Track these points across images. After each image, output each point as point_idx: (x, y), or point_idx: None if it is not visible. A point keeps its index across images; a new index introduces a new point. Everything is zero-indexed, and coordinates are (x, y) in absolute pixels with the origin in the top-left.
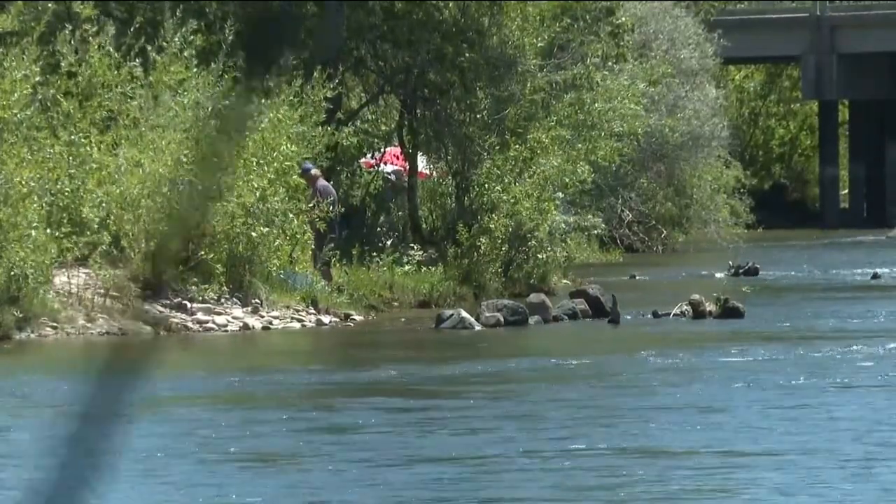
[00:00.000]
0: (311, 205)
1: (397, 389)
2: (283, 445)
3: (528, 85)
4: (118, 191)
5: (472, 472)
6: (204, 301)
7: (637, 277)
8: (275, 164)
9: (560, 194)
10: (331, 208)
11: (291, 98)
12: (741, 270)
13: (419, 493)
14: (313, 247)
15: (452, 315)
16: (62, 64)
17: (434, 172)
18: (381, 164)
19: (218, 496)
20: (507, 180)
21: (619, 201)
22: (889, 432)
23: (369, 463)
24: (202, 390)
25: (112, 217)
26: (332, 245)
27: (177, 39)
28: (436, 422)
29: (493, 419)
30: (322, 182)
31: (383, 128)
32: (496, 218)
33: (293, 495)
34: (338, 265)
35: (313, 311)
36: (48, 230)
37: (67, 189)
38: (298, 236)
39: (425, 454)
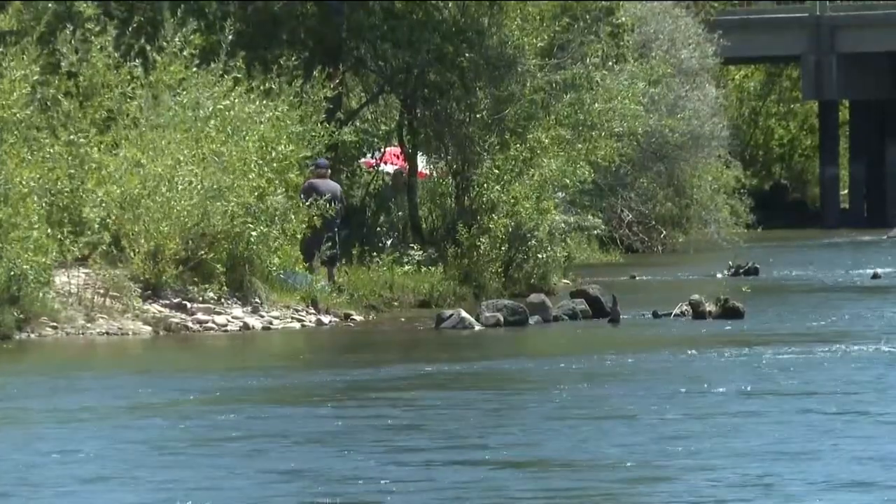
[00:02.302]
0: (307, 203)
1: (363, 390)
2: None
3: (528, 85)
4: (118, 191)
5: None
6: (204, 301)
7: (637, 277)
8: (274, 164)
9: (560, 194)
10: (329, 205)
11: (291, 98)
12: (741, 270)
13: None
14: (307, 244)
15: (452, 315)
16: (62, 64)
17: (434, 172)
18: (381, 164)
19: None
20: (507, 180)
21: (619, 201)
22: (805, 450)
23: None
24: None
25: (112, 217)
26: (329, 244)
27: (177, 39)
28: (352, 432)
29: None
30: (311, 181)
31: (383, 128)
32: (496, 218)
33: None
34: (339, 266)
35: (313, 311)
36: (48, 230)
37: (67, 189)
38: (299, 236)
39: (303, 467)
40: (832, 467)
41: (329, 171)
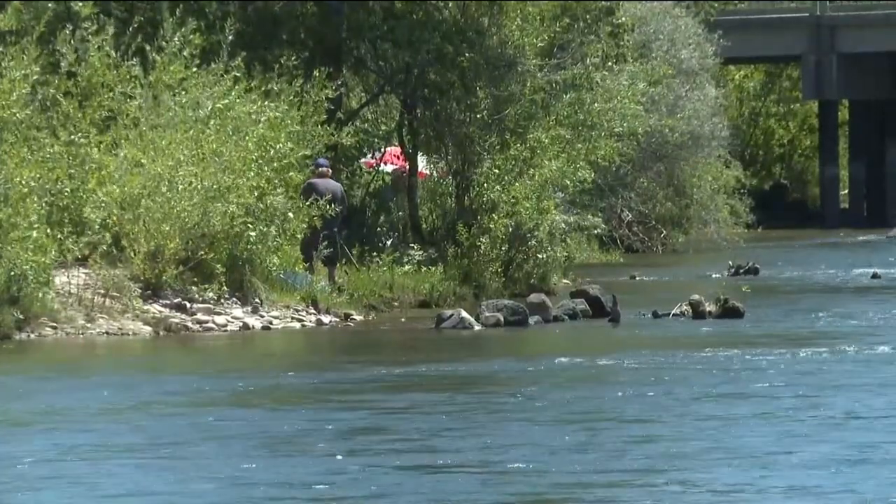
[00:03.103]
0: (307, 203)
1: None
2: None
3: (528, 85)
4: (118, 191)
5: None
6: (204, 301)
7: (637, 278)
8: (274, 163)
9: (560, 194)
10: (329, 206)
11: (291, 98)
12: (741, 270)
13: None
14: (306, 244)
15: (452, 315)
16: (62, 64)
17: (434, 172)
18: (381, 164)
19: None
20: (507, 180)
21: (619, 201)
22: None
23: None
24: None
25: (112, 217)
26: (326, 243)
27: (176, 39)
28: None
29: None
30: (311, 181)
31: (383, 128)
32: (496, 218)
33: None
34: (339, 265)
35: (313, 310)
36: (48, 230)
37: (67, 189)
38: (299, 236)
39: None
40: (784, 473)
41: (329, 170)
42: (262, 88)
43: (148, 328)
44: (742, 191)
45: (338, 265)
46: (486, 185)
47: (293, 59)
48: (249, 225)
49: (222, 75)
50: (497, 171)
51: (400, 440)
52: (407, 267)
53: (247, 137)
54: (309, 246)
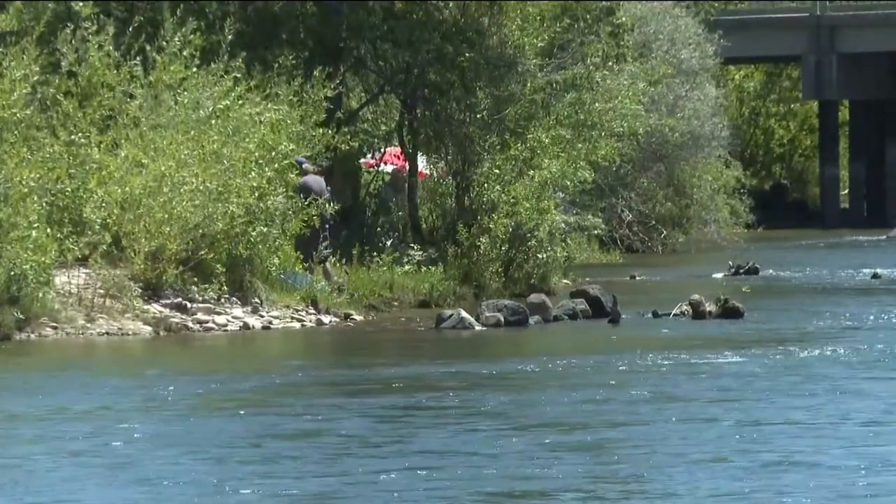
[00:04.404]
0: (306, 202)
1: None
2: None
3: (528, 85)
4: (119, 191)
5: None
6: (204, 301)
7: (637, 277)
8: (275, 164)
9: (560, 194)
10: (326, 204)
11: (291, 97)
12: (741, 270)
13: None
14: (305, 244)
15: (452, 315)
16: (62, 64)
17: (434, 172)
18: (381, 164)
19: None
20: (507, 180)
21: (619, 201)
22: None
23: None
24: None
25: (113, 217)
26: (326, 243)
27: (177, 39)
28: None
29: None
30: (304, 178)
31: (383, 128)
32: (496, 218)
33: None
34: (338, 265)
35: (313, 310)
36: (48, 230)
37: (67, 189)
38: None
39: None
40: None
41: (311, 167)
42: (265, 91)
43: (148, 328)
44: (742, 191)
45: (331, 260)
46: (486, 185)
47: (292, 59)
48: (250, 225)
49: (222, 75)
50: (497, 171)
51: (343, 445)
52: (407, 267)
53: (247, 138)
54: (308, 245)
